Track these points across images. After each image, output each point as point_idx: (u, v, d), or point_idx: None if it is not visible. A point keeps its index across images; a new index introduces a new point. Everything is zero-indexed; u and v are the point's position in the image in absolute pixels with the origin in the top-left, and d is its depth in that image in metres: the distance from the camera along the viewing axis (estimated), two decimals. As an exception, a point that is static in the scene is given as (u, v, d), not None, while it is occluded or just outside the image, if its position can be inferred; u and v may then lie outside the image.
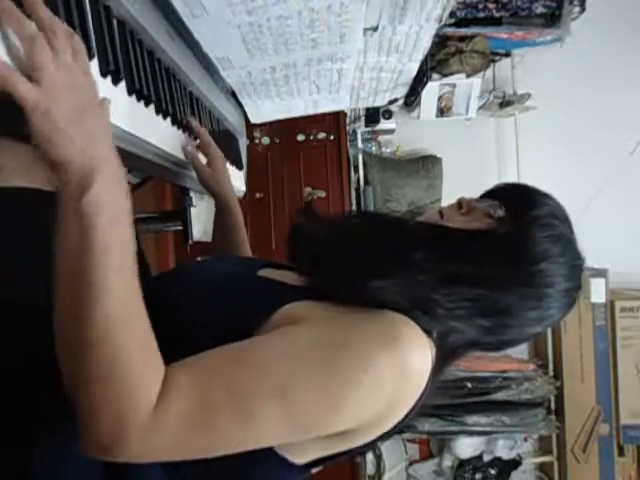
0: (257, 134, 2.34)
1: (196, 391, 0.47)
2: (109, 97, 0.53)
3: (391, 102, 1.49)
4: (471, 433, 2.31)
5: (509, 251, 0.59)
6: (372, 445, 0.58)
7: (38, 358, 0.57)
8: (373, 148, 2.64)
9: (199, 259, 1.39)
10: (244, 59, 0.96)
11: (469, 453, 2.41)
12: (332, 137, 2.35)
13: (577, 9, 2.23)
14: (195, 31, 0.84)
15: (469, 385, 2.23)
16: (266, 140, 2.36)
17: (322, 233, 0.64)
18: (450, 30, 2.26)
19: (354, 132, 2.50)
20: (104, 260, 0.45)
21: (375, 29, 1.00)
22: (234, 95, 1.20)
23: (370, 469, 2.49)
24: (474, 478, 2.42)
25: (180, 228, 1.17)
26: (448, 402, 2.23)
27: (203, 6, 0.77)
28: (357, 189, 2.51)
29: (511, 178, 2.57)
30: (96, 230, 0.45)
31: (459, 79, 2.34)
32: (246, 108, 1.26)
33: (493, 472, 2.43)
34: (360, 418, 0.51)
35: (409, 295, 0.54)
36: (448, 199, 2.48)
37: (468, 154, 2.64)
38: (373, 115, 2.41)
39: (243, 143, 1.44)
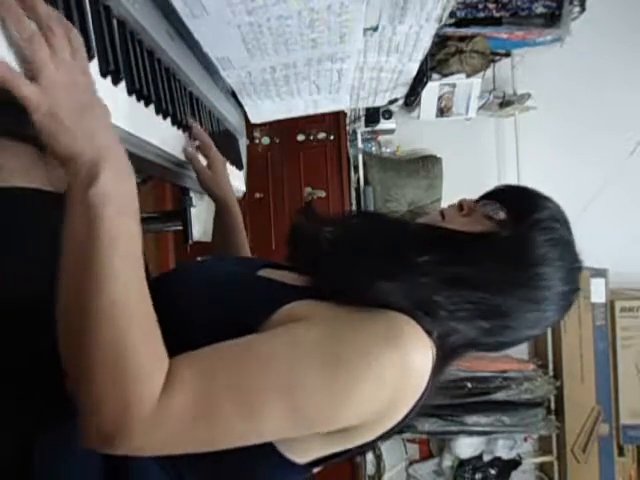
0: (257, 134, 2.34)
1: (200, 383, 0.47)
2: (109, 97, 0.53)
3: (391, 102, 1.49)
4: (471, 433, 2.31)
5: (510, 254, 0.60)
6: (372, 445, 0.59)
7: (38, 358, 0.57)
8: (373, 148, 2.64)
9: (199, 259, 1.39)
10: (244, 59, 0.96)
11: (469, 453, 2.41)
12: (332, 137, 2.35)
13: (577, 9, 2.23)
14: (195, 31, 0.84)
15: (469, 385, 2.23)
16: (266, 140, 2.36)
17: (322, 233, 0.64)
18: (450, 30, 2.26)
19: (354, 132, 2.50)
20: (110, 248, 0.45)
21: (375, 29, 1.00)
22: (234, 95, 1.20)
23: (370, 469, 2.49)
24: (474, 478, 2.42)
25: (180, 228, 1.17)
26: (448, 402, 2.23)
27: (203, 6, 0.77)
28: (357, 189, 2.51)
29: (511, 178, 2.57)
30: (103, 220, 0.45)
31: (459, 79, 2.34)
32: (246, 108, 1.26)
33: (493, 472, 2.43)
34: (362, 414, 0.52)
35: (412, 297, 0.55)
36: (448, 199, 2.46)
37: (468, 154, 2.64)
38: (373, 115, 2.41)
39: (243, 143, 1.44)
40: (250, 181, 1.47)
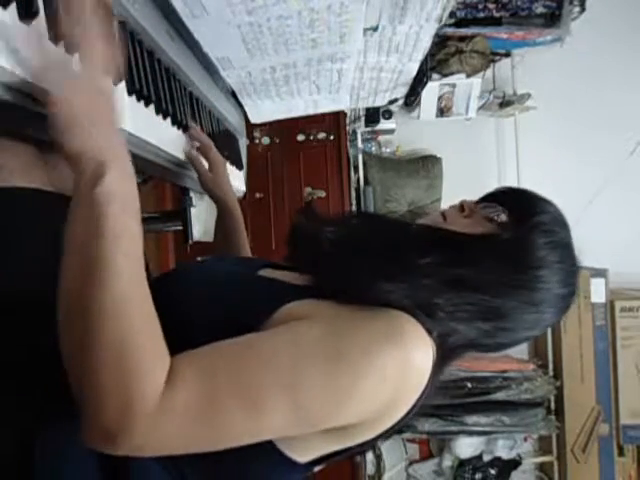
0: (257, 134, 2.34)
1: (201, 381, 0.48)
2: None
3: (391, 102, 1.49)
4: (471, 433, 2.31)
5: (511, 256, 0.60)
6: (372, 443, 0.59)
7: (39, 354, 0.57)
8: (373, 148, 2.64)
9: (199, 259, 1.39)
10: (244, 59, 0.96)
11: (469, 453, 2.41)
12: (332, 137, 2.35)
13: (577, 9, 2.23)
14: (195, 31, 0.84)
15: (469, 385, 2.23)
16: (266, 140, 2.36)
17: (324, 233, 0.64)
18: (450, 30, 2.26)
19: (354, 132, 2.50)
20: (114, 245, 0.46)
21: (375, 29, 1.00)
22: (234, 95, 1.20)
23: (370, 469, 2.49)
24: (474, 478, 2.42)
25: (180, 228, 1.17)
26: (448, 402, 2.23)
27: (203, 6, 0.77)
28: (357, 189, 2.51)
29: (511, 178, 2.57)
30: (107, 217, 0.47)
31: (459, 79, 2.34)
32: (246, 108, 1.26)
33: (493, 472, 2.43)
34: (363, 412, 0.52)
35: (413, 297, 0.55)
36: (448, 199, 2.47)
37: (468, 154, 2.64)
38: (373, 115, 2.41)
39: (243, 143, 1.44)
40: (250, 181, 1.47)
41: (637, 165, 2.52)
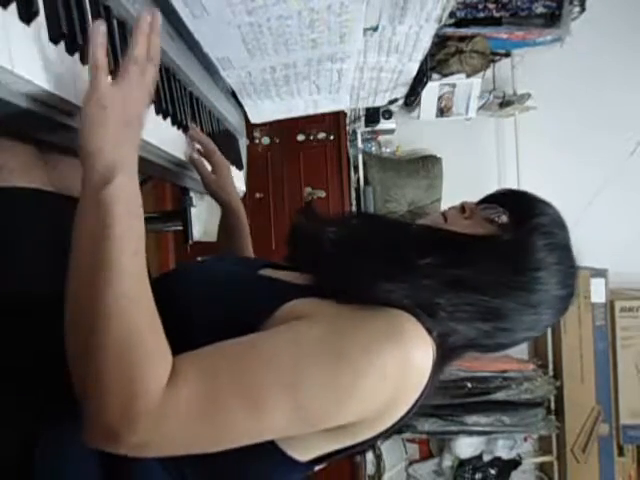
0: (257, 134, 2.34)
1: (203, 381, 0.48)
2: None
3: (391, 102, 1.49)
4: (471, 433, 2.31)
5: (510, 257, 0.61)
6: (372, 443, 0.59)
7: (40, 355, 0.57)
8: (373, 148, 2.64)
9: (199, 259, 1.39)
10: (244, 59, 0.96)
11: (469, 453, 2.41)
12: (332, 137, 2.35)
13: (577, 9, 2.23)
14: (195, 31, 0.84)
15: (469, 385, 2.23)
16: (266, 140, 2.36)
17: (324, 233, 0.64)
18: (450, 30, 2.26)
19: (354, 132, 2.50)
20: (119, 245, 0.47)
21: (375, 29, 1.00)
22: (234, 95, 1.20)
23: (370, 469, 2.49)
24: (474, 478, 2.42)
25: (180, 228, 1.17)
26: (448, 402, 2.23)
27: (203, 6, 0.77)
28: (357, 189, 2.51)
29: (511, 178, 2.57)
30: (114, 218, 0.48)
31: (459, 79, 2.34)
32: (246, 108, 1.26)
33: (493, 472, 2.43)
34: (363, 411, 0.52)
35: (414, 297, 0.55)
36: (448, 199, 2.47)
37: (468, 154, 2.64)
38: (373, 115, 2.40)
39: (243, 143, 1.44)
40: (250, 181, 1.48)
41: (637, 165, 2.52)
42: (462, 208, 0.68)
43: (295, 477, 0.60)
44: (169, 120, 0.84)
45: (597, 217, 2.40)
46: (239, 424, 0.48)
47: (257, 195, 2.34)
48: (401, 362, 0.51)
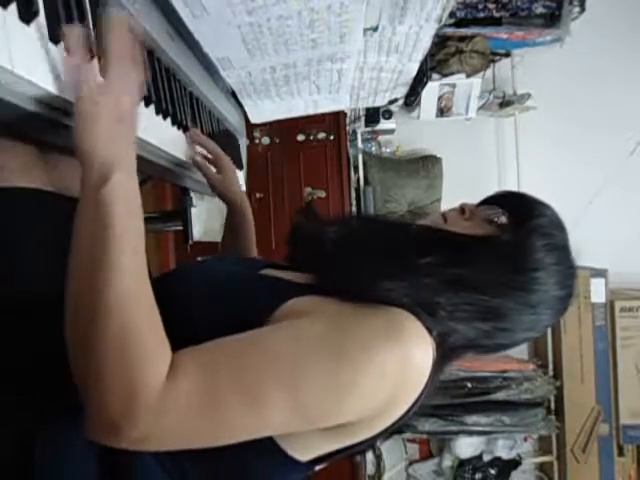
0: (257, 134, 2.34)
1: (203, 376, 0.48)
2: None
3: (391, 102, 1.49)
4: (471, 433, 2.31)
5: (510, 258, 0.61)
6: (372, 443, 0.59)
7: (38, 354, 0.57)
8: (373, 148, 2.64)
9: (199, 259, 1.39)
10: (244, 59, 0.97)
11: (469, 453, 2.41)
12: (332, 137, 2.35)
13: (577, 9, 2.23)
14: (195, 31, 0.84)
15: (469, 385, 2.23)
16: (266, 140, 2.36)
17: (325, 233, 0.64)
18: (450, 30, 2.26)
19: (354, 132, 2.50)
20: (119, 245, 0.48)
21: (375, 29, 1.00)
22: (234, 95, 1.20)
23: (370, 469, 2.49)
24: (474, 478, 2.42)
25: (180, 228, 1.17)
26: (448, 402, 2.23)
27: (203, 6, 0.77)
28: (357, 189, 2.51)
29: (511, 178, 2.57)
30: (113, 217, 0.48)
31: (459, 79, 2.34)
32: (246, 108, 1.26)
33: (493, 472, 2.43)
34: (363, 409, 0.52)
35: (414, 296, 0.55)
36: (448, 199, 2.47)
37: (468, 154, 2.64)
38: (373, 115, 2.41)
39: (243, 143, 1.44)
40: (250, 181, 1.48)
41: (637, 165, 2.52)
42: (462, 209, 0.68)
43: (295, 477, 0.60)
44: (169, 120, 0.84)
45: (597, 217, 2.40)
46: (238, 419, 0.49)
47: (257, 195, 2.34)
48: (401, 360, 0.51)
